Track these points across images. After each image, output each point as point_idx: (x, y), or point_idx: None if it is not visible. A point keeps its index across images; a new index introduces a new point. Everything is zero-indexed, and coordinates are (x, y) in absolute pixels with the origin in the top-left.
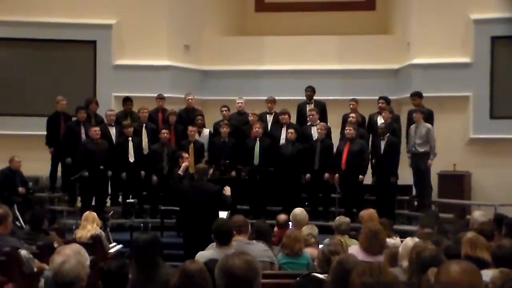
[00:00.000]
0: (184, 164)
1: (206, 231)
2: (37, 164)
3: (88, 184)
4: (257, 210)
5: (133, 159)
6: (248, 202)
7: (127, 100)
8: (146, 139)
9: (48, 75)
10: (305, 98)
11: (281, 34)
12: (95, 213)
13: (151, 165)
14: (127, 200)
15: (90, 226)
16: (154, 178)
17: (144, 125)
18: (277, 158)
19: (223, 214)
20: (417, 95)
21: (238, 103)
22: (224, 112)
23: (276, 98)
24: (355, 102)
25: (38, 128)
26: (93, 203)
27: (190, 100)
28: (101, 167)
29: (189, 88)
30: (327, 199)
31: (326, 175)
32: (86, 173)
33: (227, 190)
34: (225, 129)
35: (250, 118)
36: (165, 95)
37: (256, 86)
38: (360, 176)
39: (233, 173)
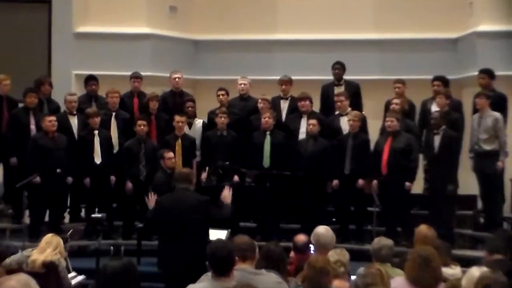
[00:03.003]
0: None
1: (194, 257)
2: None
3: (40, 193)
4: (267, 229)
5: (100, 160)
6: (255, 217)
7: (91, 80)
8: (117, 133)
9: None
10: (332, 78)
11: None
12: (61, 240)
13: (123, 168)
14: (92, 215)
15: (50, 250)
16: (129, 185)
17: (114, 113)
18: (294, 158)
19: (221, 234)
20: (486, 74)
21: (241, 84)
22: (221, 97)
23: (293, 78)
24: (401, 84)
25: None
26: (46, 218)
27: (177, 80)
28: (58, 170)
29: (175, 65)
30: (361, 214)
31: (361, 181)
32: (38, 179)
33: (226, 197)
34: (223, 119)
35: (259, 105)
36: (142, 73)
37: (265, 62)
38: (407, 183)
39: (235, 179)
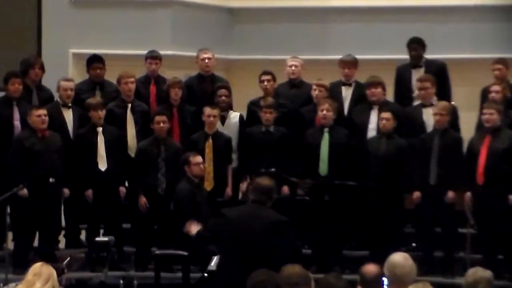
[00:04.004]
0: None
1: None
2: None
3: (27, 209)
4: (325, 257)
5: (106, 166)
6: (310, 241)
7: (95, 61)
8: (134, 131)
9: None
10: (408, 58)
11: None
12: (54, 271)
13: (136, 177)
14: (97, 239)
15: (40, 285)
16: (143, 199)
17: (130, 105)
18: (361, 163)
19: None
20: None
21: (291, 66)
22: (266, 83)
23: (358, 57)
24: (502, 65)
25: None
26: (36, 243)
27: (206, 62)
28: (50, 179)
29: (204, 41)
30: (451, 238)
31: (450, 194)
32: (24, 191)
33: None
34: (268, 114)
35: (313, 93)
36: (161, 52)
37: (321, 37)
38: (511, 197)
39: (284, 191)
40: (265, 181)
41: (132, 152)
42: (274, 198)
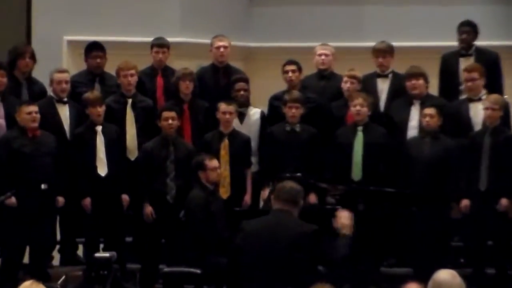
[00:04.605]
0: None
1: None
2: None
3: (16, 221)
4: (360, 274)
5: (106, 171)
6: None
7: (94, 49)
8: (134, 130)
9: None
10: (455, 45)
11: None
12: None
13: (141, 183)
14: (96, 254)
15: None
16: (149, 209)
17: (131, 100)
18: (401, 167)
19: None
20: None
21: (320, 55)
22: (291, 74)
23: (395, 44)
24: None
25: None
26: (26, 259)
27: (221, 51)
28: (42, 186)
29: (218, 27)
30: (504, 252)
31: (504, 202)
32: (12, 200)
33: (345, 223)
34: (294, 109)
35: (345, 85)
36: (170, 39)
37: (354, 21)
38: None
39: (312, 199)
40: (290, 185)
41: (131, 155)
42: (302, 206)
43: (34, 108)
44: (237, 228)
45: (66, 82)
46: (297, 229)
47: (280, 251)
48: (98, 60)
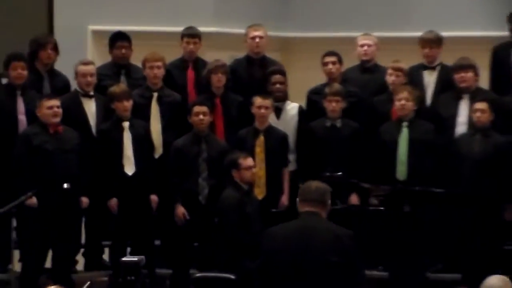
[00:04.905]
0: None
1: None
2: None
3: (37, 223)
4: (406, 280)
5: (134, 170)
6: (387, 261)
7: (119, 40)
8: (160, 126)
9: None
10: (508, 35)
11: None
12: None
13: (172, 183)
14: (123, 259)
15: None
16: (180, 210)
17: (157, 94)
18: (450, 166)
19: None
20: None
21: (363, 45)
22: (331, 66)
23: (444, 34)
24: None
25: None
26: (49, 264)
27: (257, 41)
28: (65, 186)
29: (254, 15)
30: None
31: None
32: (33, 200)
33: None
34: (334, 103)
35: (389, 78)
36: (201, 29)
37: (399, 10)
38: None
39: (353, 199)
40: (315, 184)
41: (156, 152)
42: (331, 207)
43: (55, 102)
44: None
45: (92, 75)
46: (331, 232)
47: (313, 256)
48: (123, 51)
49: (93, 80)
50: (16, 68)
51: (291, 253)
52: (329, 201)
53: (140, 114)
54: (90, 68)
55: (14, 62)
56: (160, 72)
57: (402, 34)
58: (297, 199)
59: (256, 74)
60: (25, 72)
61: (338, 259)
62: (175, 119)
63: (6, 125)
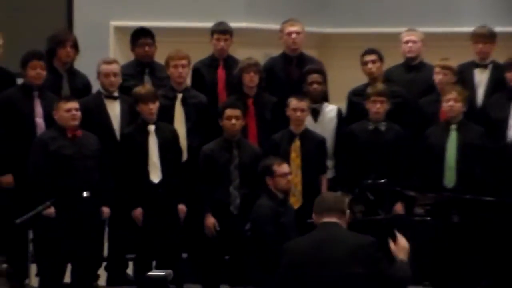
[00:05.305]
0: None
1: None
2: None
3: (56, 234)
4: None
5: (160, 177)
6: (434, 276)
7: (142, 36)
8: (185, 130)
9: None
10: None
11: None
12: None
13: (200, 192)
14: (149, 273)
15: None
16: (210, 220)
17: (182, 95)
18: (501, 171)
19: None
20: None
21: (407, 42)
22: (371, 65)
23: (498, 29)
24: None
25: None
26: (68, 279)
27: (293, 37)
28: (85, 194)
29: (290, 10)
30: None
31: None
32: (51, 209)
33: (401, 244)
34: (378, 104)
35: (436, 77)
36: (233, 25)
37: (447, 3)
38: None
39: (398, 209)
40: (331, 194)
41: (182, 158)
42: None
43: (74, 104)
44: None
45: (115, 74)
46: (353, 241)
47: (336, 270)
48: (146, 48)
49: (117, 80)
50: (35, 68)
51: (312, 267)
52: (348, 211)
53: (164, 116)
54: (114, 67)
55: (33, 61)
56: (185, 71)
57: (451, 29)
58: (313, 212)
59: (293, 73)
60: (44, 72)
61: (362, 271)
62: (200, 122)
63: (23, 129)
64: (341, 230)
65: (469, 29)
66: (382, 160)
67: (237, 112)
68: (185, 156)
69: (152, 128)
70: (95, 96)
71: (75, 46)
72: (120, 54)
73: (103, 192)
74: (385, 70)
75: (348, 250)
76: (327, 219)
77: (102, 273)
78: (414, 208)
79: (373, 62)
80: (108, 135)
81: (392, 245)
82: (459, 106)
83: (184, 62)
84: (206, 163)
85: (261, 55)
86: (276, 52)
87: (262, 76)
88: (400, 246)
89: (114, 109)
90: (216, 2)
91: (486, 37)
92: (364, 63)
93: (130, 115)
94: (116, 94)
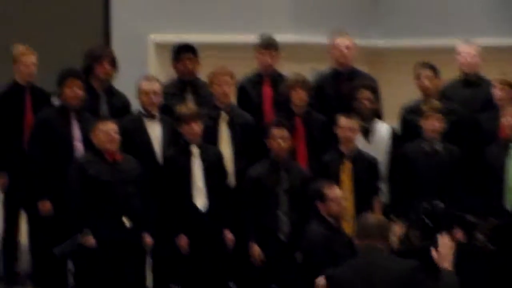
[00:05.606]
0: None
1: None
2: None
3: (97, 265)
4: None
5: (206, 202)
6: None
7: (185, 52)
8: (229, 151)
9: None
10: None
11: None
12: None
13: (246, 218)
14: None
15: None
16: (256, 249)
17: (225, 114)
18: None
19: None
20: None
21: (463, 55)
22: (425, 80)
23: None
24: None
25: None
26: None
27: (344, 51)
28: (126, 222)
29: (339, 22)
30: None
31: None
32: (91, 239)
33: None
34: (433, 122)
35: (496, 93)
36: (279, 39)
37: (507, 12)
38: None
39: (457, 234)
40: (373, 217)
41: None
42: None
43: (112, 126)
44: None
45: (156, 93)
46: (398, 267)
47: None
48: (189, 65)
49: (157, 99)
50: (72, 87)
51: None
52: (390, 235)
53: (207, 137)
54: (155, 85)
55: (70, 80)
56: (230, 89)
57: (510, 41)
58: (356, 235)
59: (344, 89)
60: (81, 91)
61: None
62: (247, 143)
63: (60, 152)
64: (385, 255)
65: None
66: (438, 182)
67: (284, 132)
68: (231, 179)
69: (196, 150)
70: (134, 116)
71: (113, 63)
72: (160, 71)
73: (145, 219)
74: (441, 86)
75: (393, 276)
76: (370, 244)
77: None
78: (474, 233)
79: (428, 77)
80: (149, 158)
81: (434, 253)
82: None
83: (228, 79)
84: (252, 186)
85: (309, 71)
86: (325, 67)
87: (311, 93)
88: (443, 253)
89: (155, 130)
90: (261, 15)
91: None
92: (419, 78)
93: (172, 136)
94: (156, 114)
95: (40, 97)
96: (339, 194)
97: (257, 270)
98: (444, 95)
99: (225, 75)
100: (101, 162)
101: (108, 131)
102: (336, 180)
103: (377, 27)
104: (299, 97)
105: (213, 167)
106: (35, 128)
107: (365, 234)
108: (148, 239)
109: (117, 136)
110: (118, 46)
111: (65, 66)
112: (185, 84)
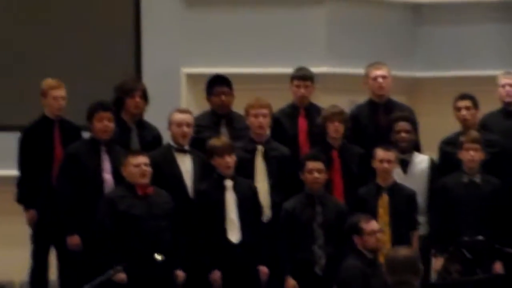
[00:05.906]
0: None
1: None
2: None
3: None
4: None
5: (240, 238)
6: None
7: (219, 85)
8: (267, 186)
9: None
10: None
11: None
12: None
13: (282, 252)
14: None
15: None
16: (291, 283)
17: (263, 148)
18: None
19: None
20: None
21: (504, 85)
22: (464, 112)
23: None
24: None
25: None
26: None
27: (380, 82)
28: (158, 258)
29: (375, 52)
30: None
31: None
32: (122, 275)
33: None
34: (472, 153)
35: None
36: (314, 70)
37: None
38: None
39: (498, 268)
40: (403, 251)
41: (265, 217)
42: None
43: (143, 159)
44: None
45: (188, 125)
46: None
47: None
48: (223, 98)
49: (189, 131)
50: (102, 120)
51: None
52: (421, 270)
53: (243, 170)
54: (187, 118)
55: (100, 113)
56: (266, 121)
57: None
58: (385, 270)
59: (381, 121)
60: (112, 125)
61: None
62: (284, 176)
63: (90, 186)
64: None
65: None
66: (478, 215)
67: (319, 164)
68: (267, 213)
69: (229, 183)
70: (165, 149)
71: (145, 96)
72: (193, 104)
73: (177, 254)
74: (481, 117)
75: None
76: (400, 279)
77: None
78: None
79: (467, 108)
80: (180, 192)
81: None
82: None
83: (265, 111)
84: (287, 220)
85: (345, 102)
86: (361, 98)
87: (348, 125)
88: None
89: (186, 163)
90: (295, 46)
91: None
92: (458, 109)
93: (203, 169)
94: (187, 147)
95: (70, 131)
96: (376, 228)
97: None
98: (484, 126)
99: (262, 107)
100: (132, 196)
101: (139, 164)
102: (373, 213)
103: (415, 58)
104: (335, 129)
105: (247, 200)
106: (64, 162)
107: (394, 269)
108: (180, 275)
109: (148, 169)
110: (150, 79)
111: (96, 100)
112: (219, 117)
